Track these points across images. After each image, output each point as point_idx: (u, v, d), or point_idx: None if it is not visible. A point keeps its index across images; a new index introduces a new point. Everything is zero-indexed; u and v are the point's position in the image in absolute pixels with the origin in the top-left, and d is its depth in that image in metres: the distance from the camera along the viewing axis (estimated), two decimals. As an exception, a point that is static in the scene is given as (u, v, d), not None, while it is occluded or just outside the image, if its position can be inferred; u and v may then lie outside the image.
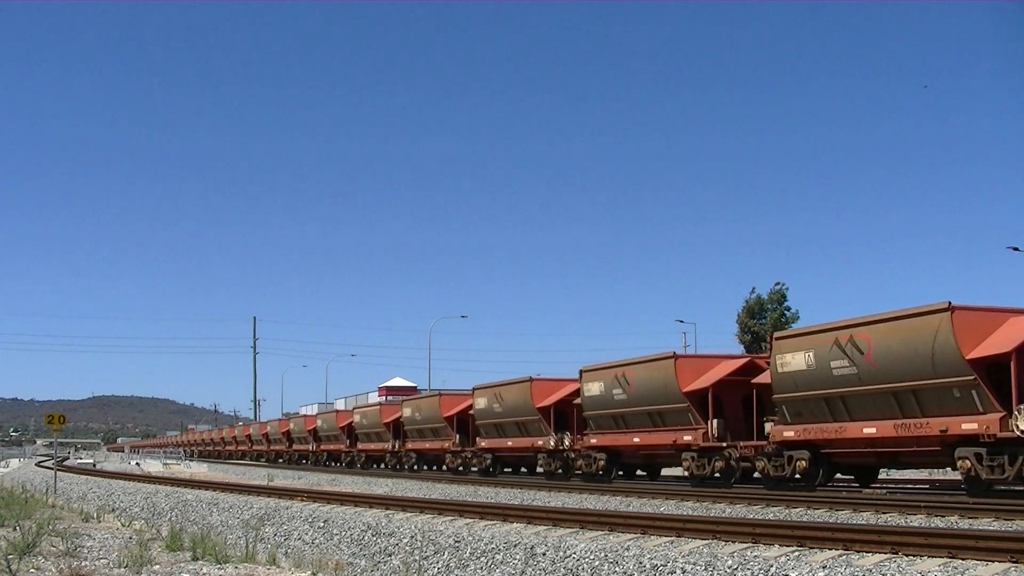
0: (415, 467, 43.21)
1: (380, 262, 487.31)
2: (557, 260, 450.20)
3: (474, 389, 37.59)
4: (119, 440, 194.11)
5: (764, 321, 58.76)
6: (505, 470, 38.14)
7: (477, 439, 37.06)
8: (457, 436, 38.92)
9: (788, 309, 59.62)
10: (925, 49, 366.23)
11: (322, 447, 56.98)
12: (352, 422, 51.02)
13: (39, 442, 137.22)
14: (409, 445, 43.63)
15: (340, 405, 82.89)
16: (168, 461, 73.46)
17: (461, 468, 38.70)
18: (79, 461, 70.89)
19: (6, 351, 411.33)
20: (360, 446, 50.38)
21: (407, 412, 43.40)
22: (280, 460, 65.92)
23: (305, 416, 65.82)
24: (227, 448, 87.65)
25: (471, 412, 37.30)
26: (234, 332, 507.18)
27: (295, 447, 62.51)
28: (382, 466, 48.39)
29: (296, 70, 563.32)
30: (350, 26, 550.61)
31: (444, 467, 41.85)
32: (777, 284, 60.42)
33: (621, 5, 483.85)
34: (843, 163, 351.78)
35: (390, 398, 70.14)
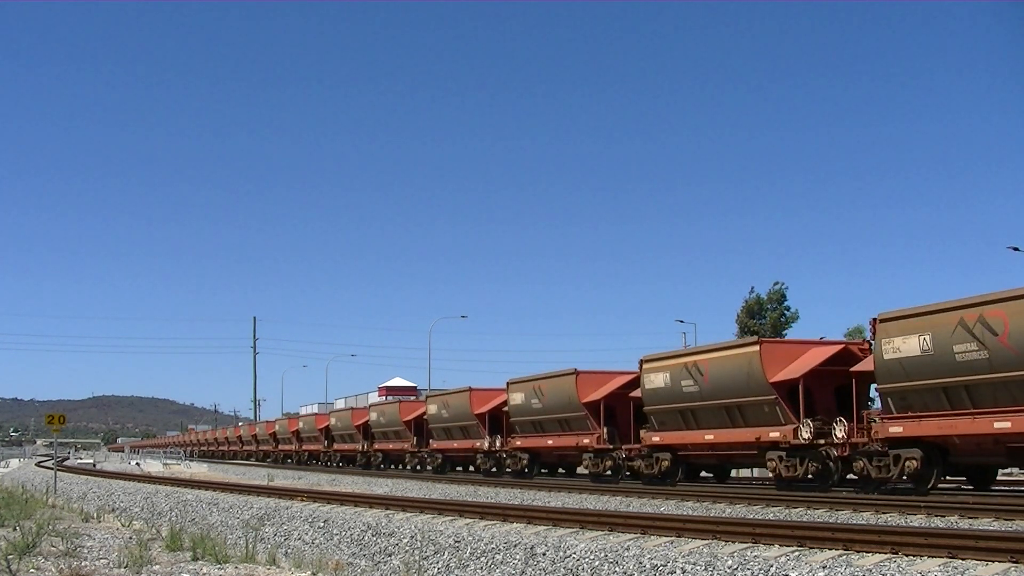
0: (440, 468, 41.27)
1: (380, 262, 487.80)
2: (557, 260, 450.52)
3: (508, 383, 35.65)
4: (119, 440, 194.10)
5: (764, 321, 58.75)
6: (542, 471, 36.20)
7: (510, 438, 35.48)
8: (488, 436, 37.15)
9: (788, 309, 59.64)
10: (925, 49, 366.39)
11: (335, 447, 54.85)
12: (368, 420, 49.16)
13: (39, 442, 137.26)
14: (433, 444, 41.75)
15: (340, 405, 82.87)
16: (168, 461, 73.43)
17: (494, 469, 36.59)
18: (79, 461, 70.85)
19: (6, 351, 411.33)
20: (377, 445, 48.70)
21: (432, 409, 41.44)
22: (288, 461, 64.46)
23: (316, 415, 64.11)
24: (231, 448, 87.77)
25: (505, 409, 35.62)
26: (234, 332, 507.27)
27: (305, 447, 60.95)
28: (401, 467, 47.04)
29: (296, 70, 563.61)
30: (350, 26, 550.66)
31: (473, 468, 40.02)
32: (776, 284, 60.45)
33: (621, 5, 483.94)
34: (843, 163, 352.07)
35: (394, 396, 70.11)
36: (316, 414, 63.57)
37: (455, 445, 40.29)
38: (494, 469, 36.75)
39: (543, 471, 36.17)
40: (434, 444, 41.85)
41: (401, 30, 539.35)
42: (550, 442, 33.23)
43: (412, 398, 51.07)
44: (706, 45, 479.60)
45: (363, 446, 50.45)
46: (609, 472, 30.21)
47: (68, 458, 76.92)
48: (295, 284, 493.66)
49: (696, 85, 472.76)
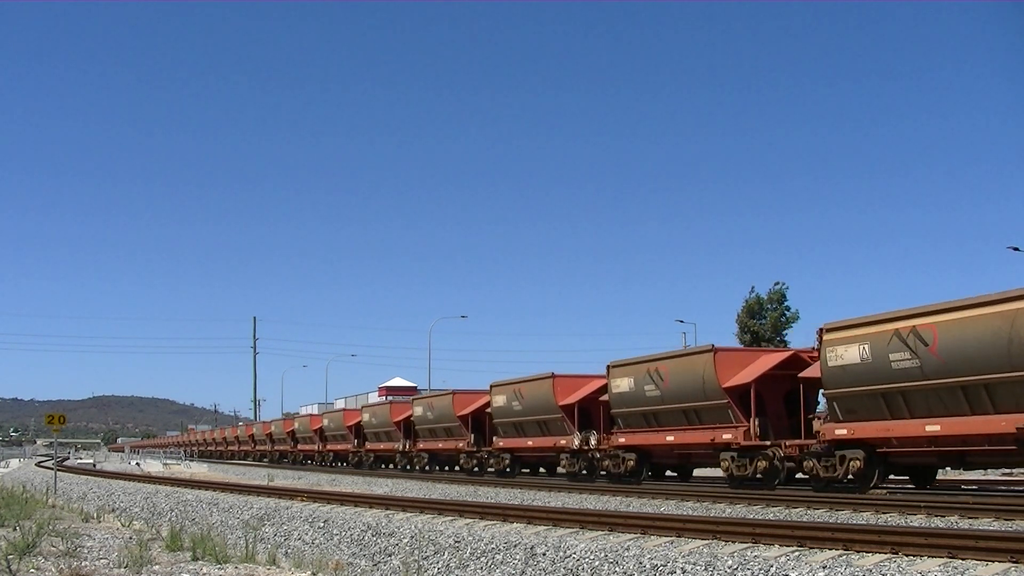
0: (427, 468, 42.65)
1: (380, 262, 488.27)
2: (557, 260, 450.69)
3: (492, 386, 36.75)
4: (119, 440, 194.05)
5: (764, 321, 58.70)
6: (523, 471, 36.93)
7: (495, 439, 36.35)
8: (472, 436, 38.51)
9: (788, 309, 59.52)
10: (925, 49, 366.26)
11: (328, 447, 56.19)
12: (360, 421, 50.29)
13: (39, 442, 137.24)
14: (420, 445, 43.15)
15: (340, 405, 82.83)
16: (168, 461, 73.43)
17: (476, 469, 38.27)
18: (79, 461, 70.86)
19: (6, 351, 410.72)
20: (369, 446, 49.82)
21: (418, 411, 42.96)
22: (284, 460, 65.16)
23: (311, 415, 64.95)
24: (230, 448, 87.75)
25: (488, 411, 36.77)
26: (234, 332, 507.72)
27: (300, 447, 61.83)
28: (391, 466, 48.17)
29: (296, 70, 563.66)
30: (350, 26, 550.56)
31: (457, 467, 41.43)
32: (776, 284, 60.33)
33: (621, 5, 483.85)
34: (843, 163, 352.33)
35: (392, 397, 70.10)
36: (311, 415, 63.95)
37: (440, 445, 41.69)
38: (476, 469, 38.28)
39: (524, 471, 37.11)
40: (421, 444, 43.22)
41: (401, 30, 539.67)
42: (530, 443, 34.40)
43: (408, 399, 51.04)
44: (706, 45, 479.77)
45: (355, 446, 51.43)
46: (584, 472, 31.38)
47: (68, 458, 76.93)
48: (295, 284, 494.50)
49: (696, 85, 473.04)
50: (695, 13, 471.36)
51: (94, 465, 61.50)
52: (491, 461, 36.85)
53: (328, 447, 56.14)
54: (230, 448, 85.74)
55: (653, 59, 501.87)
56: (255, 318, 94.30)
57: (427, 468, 42.55)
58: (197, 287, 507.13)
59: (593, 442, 30.76)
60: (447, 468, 43.68)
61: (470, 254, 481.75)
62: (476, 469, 38.27)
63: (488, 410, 36.81)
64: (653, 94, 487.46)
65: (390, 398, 69.85)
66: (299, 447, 61.96)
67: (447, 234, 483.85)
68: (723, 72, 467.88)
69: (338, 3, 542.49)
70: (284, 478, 43.54)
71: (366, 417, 49.50)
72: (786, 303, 59.70)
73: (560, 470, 34.80)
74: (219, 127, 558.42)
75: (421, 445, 43.03)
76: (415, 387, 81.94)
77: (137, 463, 68.92)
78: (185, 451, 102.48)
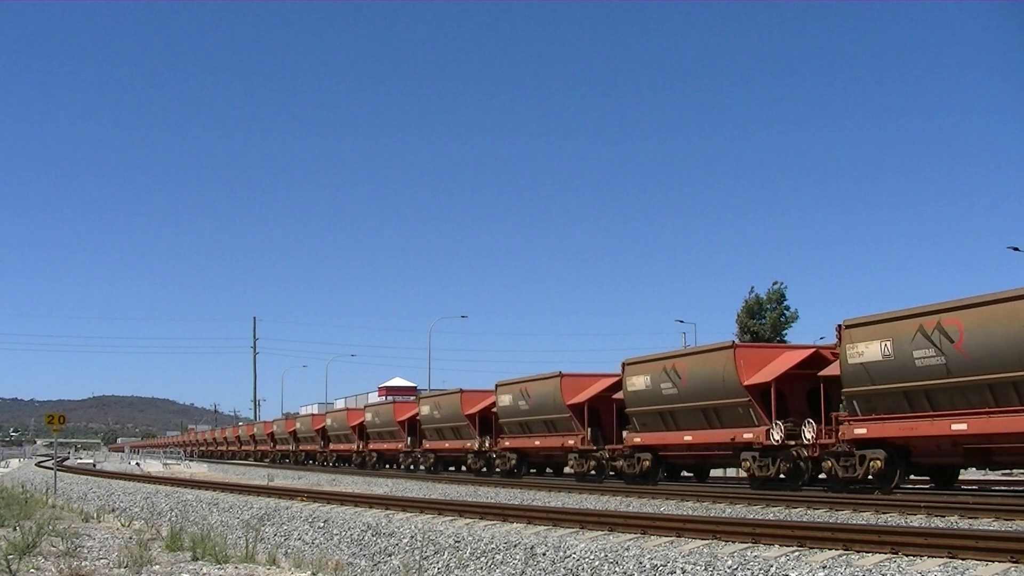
0: (433, 468, 41.83)
1: (380, 262, 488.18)
2: (556, 260, 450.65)
3: (497, 385, 36.27)
4: (119, 440, 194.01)
5: (764, 321, 58.69)
6: (531, 471, 36.41)
7: (500, 438, 35.91)
8: (478, 436, 37.64)
9: (787, 309, 59.53)
10: (925, 49, 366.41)
11: (331, 447, 55.30)
12: (364, 421, 49.43)
13: (39, 442, 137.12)
14: (426, 445, 42.27)
15: (340, 405, 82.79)
16: (168, 461, 73.43)
17: (484, 469, 37.49)
18: (79, 461, 70.84)
19: (6, 351, 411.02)
20: (372, 445, 49.05)
21: (425, 410, 42.10)
22: (286, 460, 64.65)
23: (313, 415, 64.42)
24: (231, 448, 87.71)
25: (494, 410, 36.06)
26: (234, 332, 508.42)
27: (302, 447, 61.34)
28: (395, 467, 47.43)
29: (296, 70, 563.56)
30: (350, 26, 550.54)
31: (465, 468, 41.03)
32: (776, 284, 60.33)
33: (621, 5, 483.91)
34: (843, 163, 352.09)
35: (391, 397, 70.07)
36: (313, 415, 63.60)
37: (447, 445, 40.83)
38: (484, 469, 37.57)
39: (531, 471, 36.57)
40: (427, 444, 42.38)
41: (401, 30, 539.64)
42: (537, 443, 33.93)
43: (412, 398, 51.05)
44: (706, 45, 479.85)
45: (359, 446, 50.78)
46: (593, 472, 30.97)
47: (68, 458, 76.90)
48: (295, 284, 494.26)
49: (696, 85, 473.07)
50: (695, 13, 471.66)
51: (94, 465, 61.47)
52: (497, 461, 36.01)
53: (331, 447, 55.54)
54: (231, 448, 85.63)
55: (653, 59, 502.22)
56: (255, 318, 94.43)
57: (433, 468, 41.77)
58: (197, 287, 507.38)
59: (601, 442, 30.71)
60: (453, 468, 43.05)
61: (470, 254, 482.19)
62: (484, 469, 37.55)
63: (494, 409, 36.14)
64: (653, 94, 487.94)
65: (393, 397, 69.84)
66: (301, 447, 61.59)
67: (447, 234, 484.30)
68: (723, 72, 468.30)
69: (338, 3, 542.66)
70: (284, 478, 43.54)
71: (370, 417, 48.82)
72: (786, 303, 59.71)
73: (567, 470, 34.33)
74: (219, 127, 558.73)
75: (427, 445, 42.21)
76: (415, 387, 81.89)
77: (137, 463, 68.90)
78: (185, 451, 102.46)
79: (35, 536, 13.28)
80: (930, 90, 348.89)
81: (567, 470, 34.89)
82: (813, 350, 24.86)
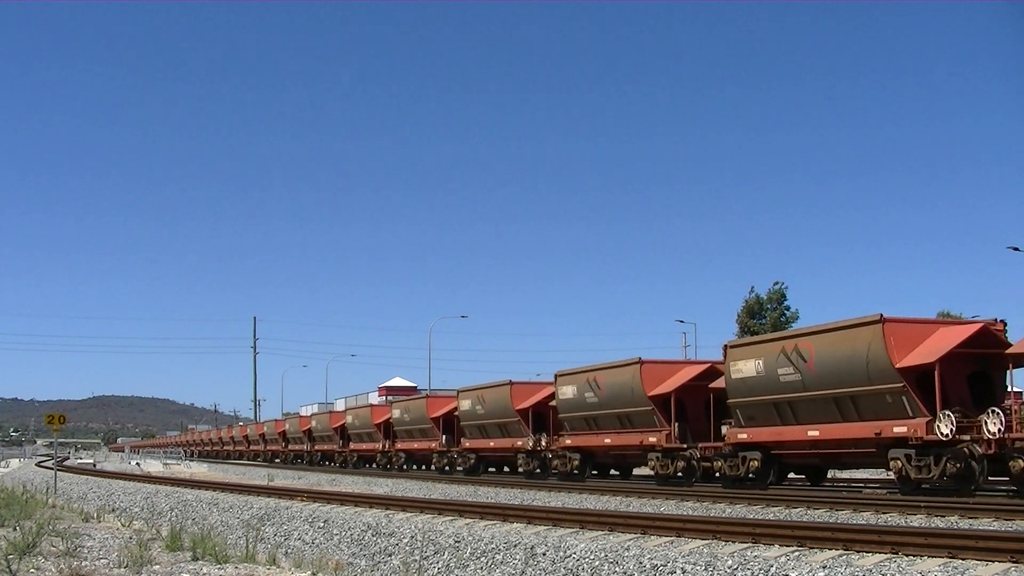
0: (473, 470, 39.18)
1: (380, 262, 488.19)
2: (557, 260, 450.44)
3: (557, 376, 33.79)
4: (119, 440, 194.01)
5: (764, 321, 58.70)
6: (489, 470, 38.48)
7: (559, 436, 34.23)
8: (532, 434, 34.82)
9: (788, 309, 59.55)
10: (925, 49, 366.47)
11: (351, 447, 53.21)
12: (390, 418, 47.30)
13: (39, 442, 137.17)
14: (466, 444, 39.67)
15: (340, 405, 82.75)
16: (168, 461, 73.43)
17: (539, 471, 34.47)
18: (79, 461, 70.85)
19: (6, 351, 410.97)
20: (400, 445, 46.67)
21: (465, 405, 39.69)
22: (299, 461, 62.82)
23: (331, 412, 61.50)
24: (225, 448, 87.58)
25: (552, 404, 34.06)
26: (234, 332, 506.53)
27: (317, 447, 59.91)
28: (426, 468, 45.69)
29: (296, 70, 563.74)
30: (350, 26, 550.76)
31: (509, 469, 39.01)
32: (776, 284, 60.36)
33: (621, 5, 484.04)
34: (843, 163, 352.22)
35: (390, 397, 70.02)
36: (331, 412, 61.24)
37: (492, 444, 37.82)
38: (538, 471, 34.49)
39: (594, 473, 33.42)
40: (467, 443, 39.48)
41: (401, 30, 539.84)
42: (607, 440, 30.65)
43: (424, 395, 50.45)
44: (706, 45, 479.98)
45: (384, 445, 48.37)
46: (680, 474, 27.66)
47: (68, 458, 76.90)
48: (295, 284, 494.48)
49: (696, 85, 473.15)
50: (695, 13, 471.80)
51: (94, 465, 61.47)
52: (555, 462, 33.41)
53: (351, 447, 53.18)
54: (237, 448, 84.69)
55: (652, 59, 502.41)
56: (255, 318, 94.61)
57: (473, 470, 39.07)
58: (197, 287, 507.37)
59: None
60: (494, 470, 40.94)
61: (470, 254, 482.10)
62: (538, 471, 34.61)
63: (552, 403, 34.06)
64: (653, 94, 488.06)
65: (385, 398, 69.72)
66: (317, 447, 59.67)
67: (447, 234, 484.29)
68: (723, 72, 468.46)
69: (338, 3, 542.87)
70: (284, 478, 43.54)
71: (397, 414, 46.41)
72: (786, 303, 59.76)
73: (639, 471, 33.79)
74: (219, 127, 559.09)
75: (467, 444, 39.44)
76: (415, 387, 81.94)
77: (137, 463, 68.91)
78: (185, 451, 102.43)
79: (35, 536, 13.28)
80: (930, 90, 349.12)
81: (638, 471, 33.40)
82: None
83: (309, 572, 11.88)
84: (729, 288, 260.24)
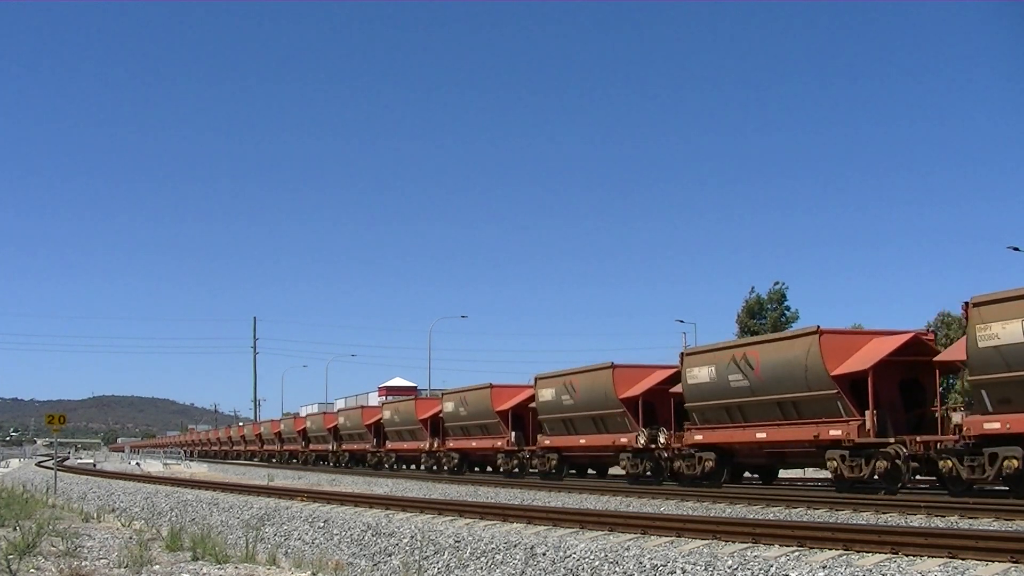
0: (457, 469, 40.01)
1: (380, 262, 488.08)
2: (557, 260, 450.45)
3: (536, 379, 34.63)
4: (119, 440, 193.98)
5: (764, 321, 58.71)
6: (570, 472, 35.80)
7: (447, 440, 39.02)
8: (511, 434, 36.06)
9: (788, 309, 59.58)
10: (925, 49, 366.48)
11: (344, 447, 53.65)
12: (381, 419, 47.61)
13: (39, 442, 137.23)
14: (450, 444, 40.69)
15: (340, 405, 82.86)
16: (168, 461, 73.44)
17: (517, 470, 35.72)
18: (79, 461, 70.86)
19: (6, 351, 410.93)
20: (390, 445, 47.20)
21: (449, 407, 40.58)
22: (294, 461, 63.29)
23: (324, 413, 61.46)
24: (223, 448, 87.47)
25: (532, 406, 34.64)
26: (234, 332, 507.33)
27: (312, 447, 59.68)
28: (415, 467, 46.73)
29: (296, 70, 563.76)
30: (350, 26, 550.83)
31: (492, 468, 39.79)
32: (776, 284, 60.40)
33: (621, 5, 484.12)
34: (843, 163, 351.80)
35: (390, 397, 70.06)
36: (325, 413, 61.92)
37: (474, 444, 39.06)
38: (516, 470, 35.69)
39: (571, 472, 34.46)
40: (451, 443, 40.67)
41: (401, 30, 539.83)
42: (582, 441, 31.84)
43: (412, 397, 50.74)
44: (706, 45, 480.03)
45: (375, 446, 49.40)
46: (649, 473, 28.86)
47: (68, 458, 76.92)
48: (295, 284, 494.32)
49: (696, 85, 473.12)
50: (695, 13, 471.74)
51: (94, 465, 61.47)
52: (534, 462, 34.32)
53: (344, 447, 53.86)
54: (235, 448, 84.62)
55: (653, 59, 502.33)
56: (255, 318, 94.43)
57: (457, 469, 40.03)
58: (197, 287, 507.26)
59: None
60: (478, 469, 41.55)
61: (470, 254, 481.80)
62: (516, 470, 35.77)
63: (532, 405, 34.73)
64: (653, 94, 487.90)
65: (394, 397, 69.68)
66: (311, 447, 59.86)
67: (447, 234, 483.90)
68: (722, 72, 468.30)
69: (338, 3, 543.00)
70: (284, 478, 43.55)
71: (388, 415, 47.12)
72: (786, 303, 59.80)
73: (615, 470, 33.81)
74: (219, 127, 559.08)
75: (451, 444, 40.52)
76: (415, 387, 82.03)
77: (137, 463, 68.92)
78: (185, 451, 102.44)
79: (35, 536, 13.28)
80: (930, 90, 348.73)
81: (614, 471, 33.76)
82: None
83: (309, 572, 11.88)
84: (729, 288, 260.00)
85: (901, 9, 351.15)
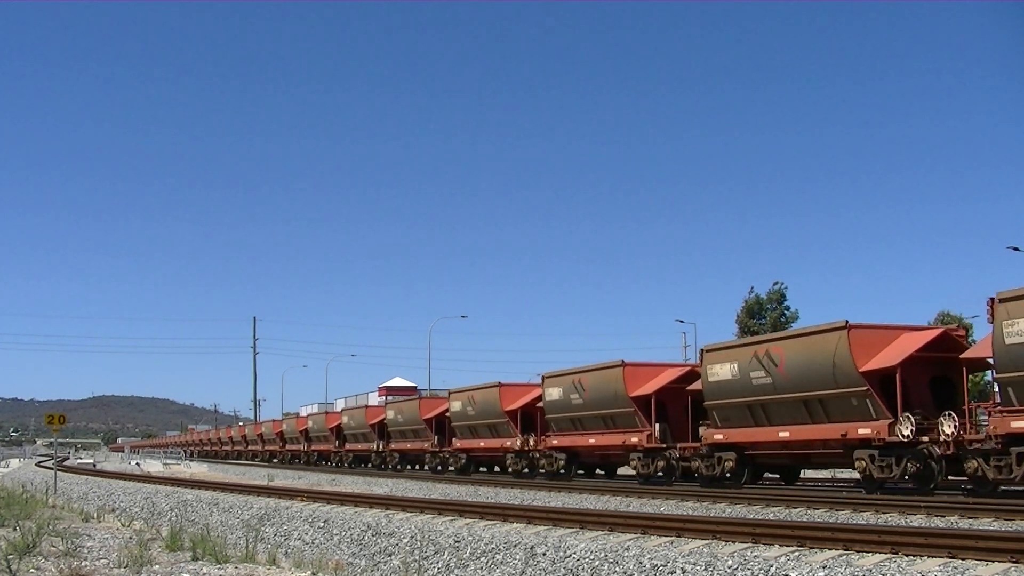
0: (464, 469, 39.93)
1: (380, 262, 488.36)
2: (557, 260, 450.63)
3: (544, 377, 34.35)
4: (119, 440, 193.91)
5: (764, 321, 58.68)
6: (579, 472, 35.45)
7: (546, 436, 35.04)
8: (520, 434, 35.73)
9: (787, 309, 59.54)
10: (925, 49, 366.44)
11: (347, 447, 53.61)
12: (384, 419, 47.86)
13: (39, 442, 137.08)
14: (457, 444, 40.56)
15: (340, 405, 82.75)
16: (168, 461, 73.41)
17: (527, 471, 35.51)
18: (79, 461, 70.82)
19: (6, 351, 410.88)
20: (394, 445, 47.37)
21: (456, 406, 40.25)
22: (296, 461, 62.87)
23: (327, 412, 61.20)
24: (223, 448, 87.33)
25: (540, 405, 34.62)
26: (234, 332, 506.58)
27: (314, 447, 59.64)
28: (419, 468, 46.53)
29: (296, 70, 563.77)
30: (350, 26, 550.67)
31: (500, 469, 39.85)
32: (776, 284, 60.36)
33: (621, 5, 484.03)
34: (843, 163, 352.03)
35: (390, 398, 69.98)
36: (328, 412, 61.78)
37: (482, 444, 38.52)
38: (526, 470, 35.31)
39: (580, 472, 34.22)
40: (458, 443, 40.25)
41: (400, 30, 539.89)
42: (591, 441, 31.34)
43: (416, 397, 50.65)
44: (706, 45, 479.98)
45: (378, 446, 49.04)
46: (661, 473, 28.36)
47: (68, 458, 76.87)
48: (295, 284, 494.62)
49: (696, 85, 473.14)
50: (695, 13, 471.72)
51: (94, 465, 61.43)
52: (543, 462, 34.12)
53: (347, 447, 53.73)
54: (236, 448, 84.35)
55: (653, 59, 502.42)
56: (255, 318, 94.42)
57: (464, 470, 39.88)
58: (197, 287, 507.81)
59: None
60: (485, 470, 41.60)
61: (470, 254, 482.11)
62: (526, 471, 35.55)
63: (540, 404, 34.59)
64: (653, 94, 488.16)
65: (394, 397, 69.56)
66: (314, 447, 59.82)
67: (447, 234, 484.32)
68: (722, 72, 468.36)
69: (338, 3, 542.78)
70: (284, 478, 43.52)
71: (391, 415, 47.00)
72: (786, 303, 59.76)
73: (624, 471, 33.84)
74: (219, 127, 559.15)
75: (458, 444, 40.22)
76: (415, 387, 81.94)
77: (137, 463, 68.87)
78: (185, 451, 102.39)
79: (35, 536, 13.29)
80: (930, 90, 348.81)
81: (623, 471, 33.63)
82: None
83: (309, 572, 11.88)
84: (729, 288, 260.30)
85: (901, 9, 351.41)
